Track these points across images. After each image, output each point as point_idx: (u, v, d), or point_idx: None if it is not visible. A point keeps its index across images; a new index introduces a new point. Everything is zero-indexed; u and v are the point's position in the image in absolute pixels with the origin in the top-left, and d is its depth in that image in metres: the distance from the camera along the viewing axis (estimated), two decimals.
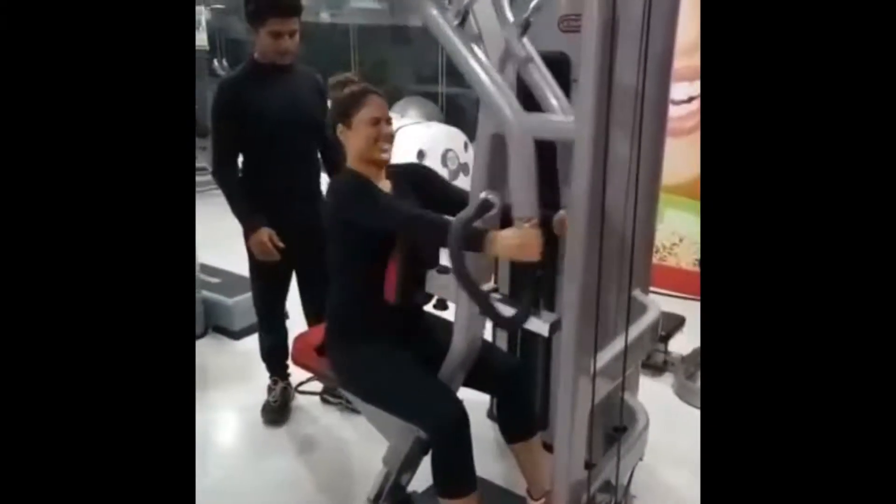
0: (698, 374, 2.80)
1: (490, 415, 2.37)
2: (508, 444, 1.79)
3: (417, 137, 5.31)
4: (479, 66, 1.35)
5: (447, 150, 5.35)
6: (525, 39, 1.47)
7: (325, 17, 7.23)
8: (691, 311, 3.04)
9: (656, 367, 2.88)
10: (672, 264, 3.81)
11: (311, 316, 2.48)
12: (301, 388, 2.71)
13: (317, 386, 2.68)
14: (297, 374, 2.48)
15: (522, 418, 1.79)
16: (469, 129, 4.81)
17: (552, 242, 1.47)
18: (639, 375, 2.29)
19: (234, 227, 2.34)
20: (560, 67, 1.81)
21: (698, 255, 3.66)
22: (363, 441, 2.40)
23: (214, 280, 3.47)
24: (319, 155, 2.40)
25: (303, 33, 2.23)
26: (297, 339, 2.04)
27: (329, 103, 1.73)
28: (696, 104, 3.45)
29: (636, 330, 1.64)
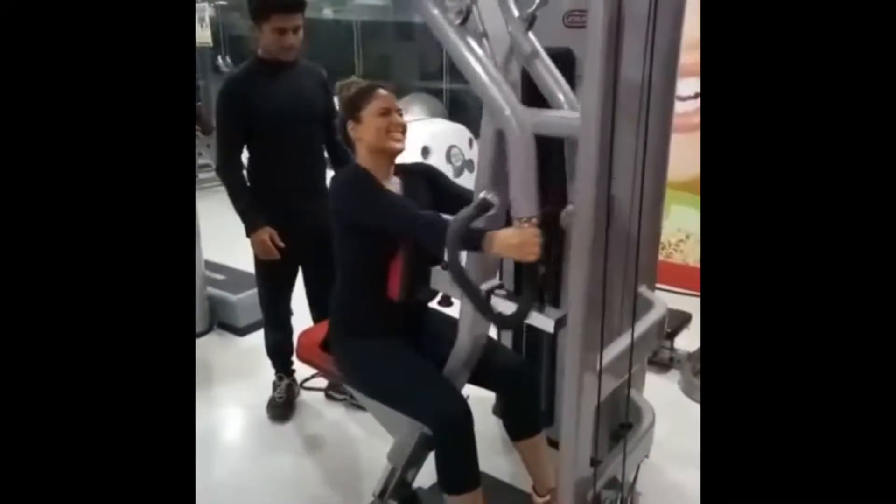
0: None
1: (495, 411, 2.37)
2: (513, 441, 1.79)
3: (421, 134, 5.30)
4: (479, 65, 1.34)
5: (451, 147, 5.35)
6: (531, 34, 1.46)
7: (328, 13, 7.23)
8: (697, 307, 3.03)
9: (662, 364, 2.88)
10: (678, 261, 3.80)
11: (317, 312, 2.48)
12: (306, 385, 2.72)
13: (322, 382, 2.69)
14: (301, 370, 2.49)
15: (527, 415, 1.79)
16: (473, 125, 4.80)
17: (558, 238, 1.46)
18: (645, 372, 2.28)
19: (239, 224, 2.34)
20: (565, 63, 1.80)
21: None
22: (368, 437, 2.40)
23: (219, 277, 3.48)
24: (325, 151, 2.40)
25: (306, 29, 2.23)
26: (302, 335, 2.04)
27: (337, 106, 1.73)
28: None
29: (642, 327, 1.64)
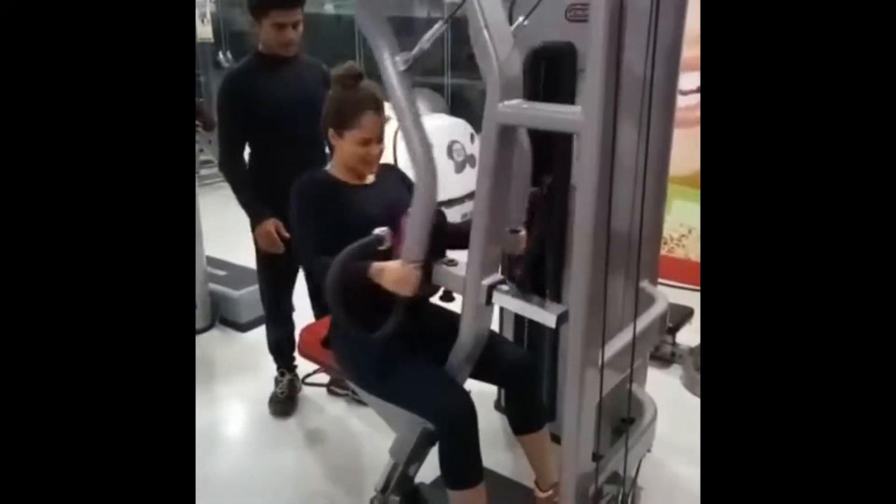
0: None
1: (497, 406, 2.37)
2: (516, 435, 1.79)
3: None
4: (410, 113, 1.45)
5: (453, 142, 5.33)
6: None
7: (329, 7, 7.21)
8: (699, 302, 3.03)
9: (664, 359, 2.88)
10: (680, 256, 3.80)
11: (318, 308, 2.48)
12: (308, 380, 2.72)
13: (324, 377, 2.69)
14: (303, 365, 2.49)
15: (530, 410, 1.79)
16: (475, 120, 4.79)
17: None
18: (647, 367, 2.28)
19: (241, 220, 2.34)
20: (567, 58, 1.80)
21: None
22: (370, 432, 2.41)
23: (221, 273, 3.48)
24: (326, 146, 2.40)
25: (307, 24, 2.23)
26: (304, 330, 2.05)
27: (329, 96, 1.72)
28: None
29: (644, 322, 1.64)
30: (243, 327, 3.26)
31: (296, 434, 2.47)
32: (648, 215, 1.70)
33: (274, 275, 2.46)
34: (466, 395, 1.60)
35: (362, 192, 1.73)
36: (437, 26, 1.44)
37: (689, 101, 3.43)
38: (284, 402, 2.58)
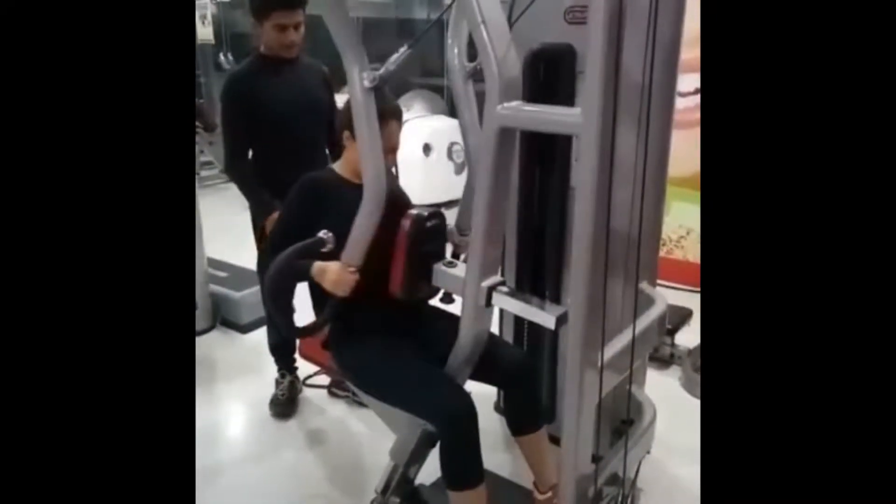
0: None
1: (497, 408, 2.38)
2: (515, 436, 1.79)
3: (423, 131, 5.30)
4: (367, 126, 1.52)
5: (452, 144, 5.34)
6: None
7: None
8: (698, 304, 3.03)
9: (663, 360, 2.88)
10: (679, 257, 3.80)
11: (320, 310, 2.47)
12: (308, 382, 2.72)
13: (324, 379, 2.69)
14: (304, 367, 2.49)
15: (528, 411, 1.79)
16: None
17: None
18: (646, 368, 2.28)
19: (242, 222, 2.34)
20: (566, 59, 1.80)
21: None
22: (370, 434, 2.41)
23: (222, 274, 3.49)
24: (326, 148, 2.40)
25: (308, 26, 2.23)
26: None
27: (344, 103, 1.71)
28: None
29: (643, 323, 1.64)
30: (244, 329, 3.26)
31: (296, 436, 2.47)
32: (647, 217, 1.71)
33: None
34: (467, 395, 1.60)
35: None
36: (403, 49, 1.51)
37: (687, 103, 3.44)
38: (285, 404, 2.58)
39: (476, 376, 1.74)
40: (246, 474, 2.25)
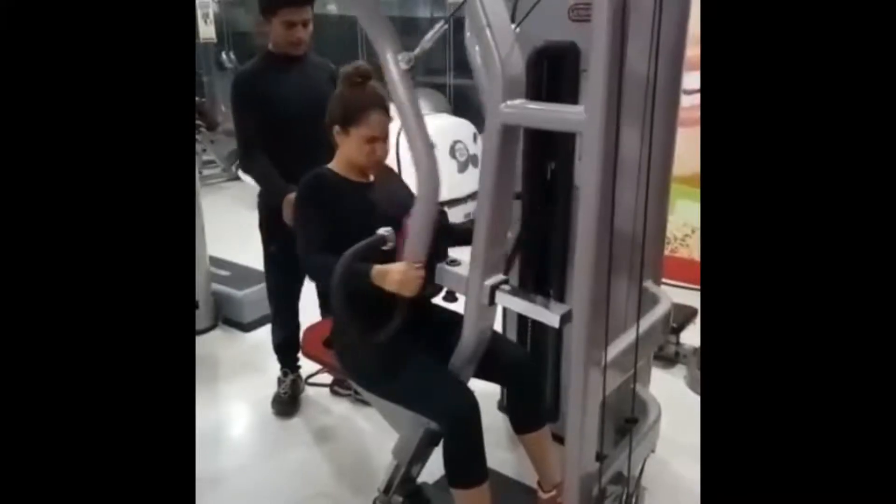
0: None
1: (500, 406, 2.37)
2: (518, 435, 1.79)
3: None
4: (416, 120, 1.46)
5: (456, 142, 5.32)
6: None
7: (332, 8, 7.21)
8: None
9: (668, 359, 2.87)
10: (684, 255, 3.79)
11: (326, 308, 2.47)
12: (311, 380, 2.72)
13: (327, 378, 2.69)
14: (307, 365, 2.49)
15: (532, 409, 1.78)
16: (478, 120, 4.78)
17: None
18: (650, 367, 2.28)
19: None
20: (570, 57, 1.80)
21: None
22: (373, 432, 2.41)
23: (224, 273, 3.48)
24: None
25: (315, 25, 2.23)
26: (307, 330, 2.05)
27: (335, 94, 1.72)
28: None
29: (648, 321, 1.63)
30: (246, 327, 3.26)
31: (299, 434, 2.47)
32: (652, 215, 1.69)
33: (282, 274, 2.45)
34: (471, 393, 1.60)
35: (365, 189, 1.73)
36: (438, 25, 1.44)
37: (693, 101, 3.42)
38: (287, 403, 2.58)
39: (479, 374, 1.74)
40: (248, 473, 2.25)
